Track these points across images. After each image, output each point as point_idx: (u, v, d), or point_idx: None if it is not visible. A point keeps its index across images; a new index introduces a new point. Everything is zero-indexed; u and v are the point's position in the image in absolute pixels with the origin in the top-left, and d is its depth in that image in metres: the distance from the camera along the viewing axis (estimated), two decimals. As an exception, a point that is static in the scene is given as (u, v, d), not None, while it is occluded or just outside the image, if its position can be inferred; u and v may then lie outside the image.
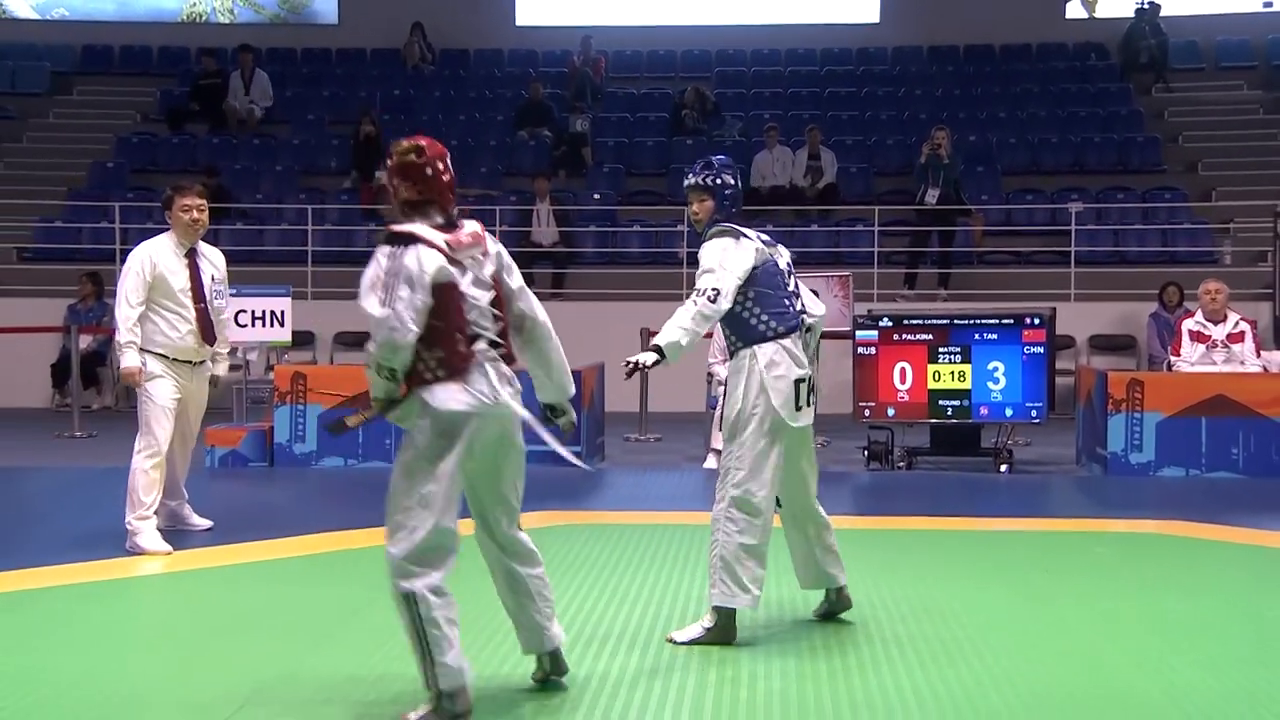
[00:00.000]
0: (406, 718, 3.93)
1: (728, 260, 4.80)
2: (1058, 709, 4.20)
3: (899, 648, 4.84)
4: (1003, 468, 9.48)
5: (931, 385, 9.52)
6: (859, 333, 9.84)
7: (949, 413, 9.56)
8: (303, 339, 13.29)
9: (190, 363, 6.70)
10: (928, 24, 19.21)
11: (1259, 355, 9.77)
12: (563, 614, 5.23)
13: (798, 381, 4.83)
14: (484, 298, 4.02)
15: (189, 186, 6.87)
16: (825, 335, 11.99)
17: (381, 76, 19.45)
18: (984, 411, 9.52)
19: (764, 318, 4.84)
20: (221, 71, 18.27)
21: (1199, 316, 9.78)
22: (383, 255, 3.90)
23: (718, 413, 9.72)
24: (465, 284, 3.95)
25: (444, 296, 3.87)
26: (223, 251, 7.14)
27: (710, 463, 9.77)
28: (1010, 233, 15.54)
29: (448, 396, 3.87)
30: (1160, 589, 5.93)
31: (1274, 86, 18.29)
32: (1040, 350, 9.44)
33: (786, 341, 4.86)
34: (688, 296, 4.84)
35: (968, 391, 9.49)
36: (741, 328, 4.88)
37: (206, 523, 7.01)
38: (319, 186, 16.82)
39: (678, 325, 4.75)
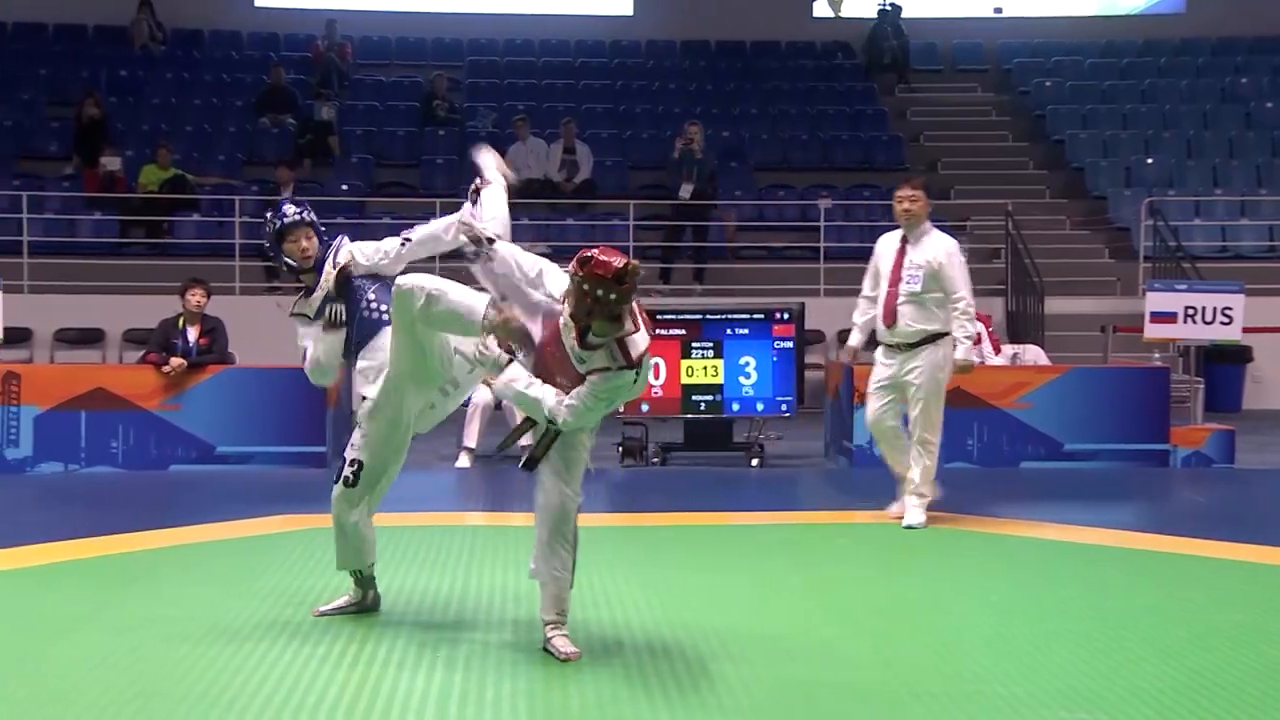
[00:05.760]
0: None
1: None
2: (798, 699, 4.35)
3: (641, 641, 4.92)
4: (754, 462, 9.76)
5: (685, 380, 9.72)
6: (613, 328, 9.93)
7: (702, 408, 9.78)
8: (18, 336, 12.53)
9: None
10: (680, 18, 19.61)
11: (998, 352, 10.35)
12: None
13: None
14: None
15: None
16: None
17: (106, 56, 18.49)
18: (736, 406, 9.78)
19: None
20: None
21: None
22: None
23: (470, 410, 9.69)
24: None
25: None
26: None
27: (463, 461, 9.70)
28: (762, 228, 16.04)
29: None
30: (898, 576, 6.24)
31: (1005, 89, 19.50)
32: (789, 345, 9.77)
33: None
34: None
35: (720, 386, 9.73)
36: None
37: None
38: (37, 172, 15.88)
39: None
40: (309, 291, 5.25)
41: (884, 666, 4.68)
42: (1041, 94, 18.81)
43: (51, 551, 6.54)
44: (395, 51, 19.62)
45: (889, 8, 19.44)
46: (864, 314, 7.60)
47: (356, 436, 5.15)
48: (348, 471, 5.10)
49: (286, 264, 5.24)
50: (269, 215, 5.32)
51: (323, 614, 5.22)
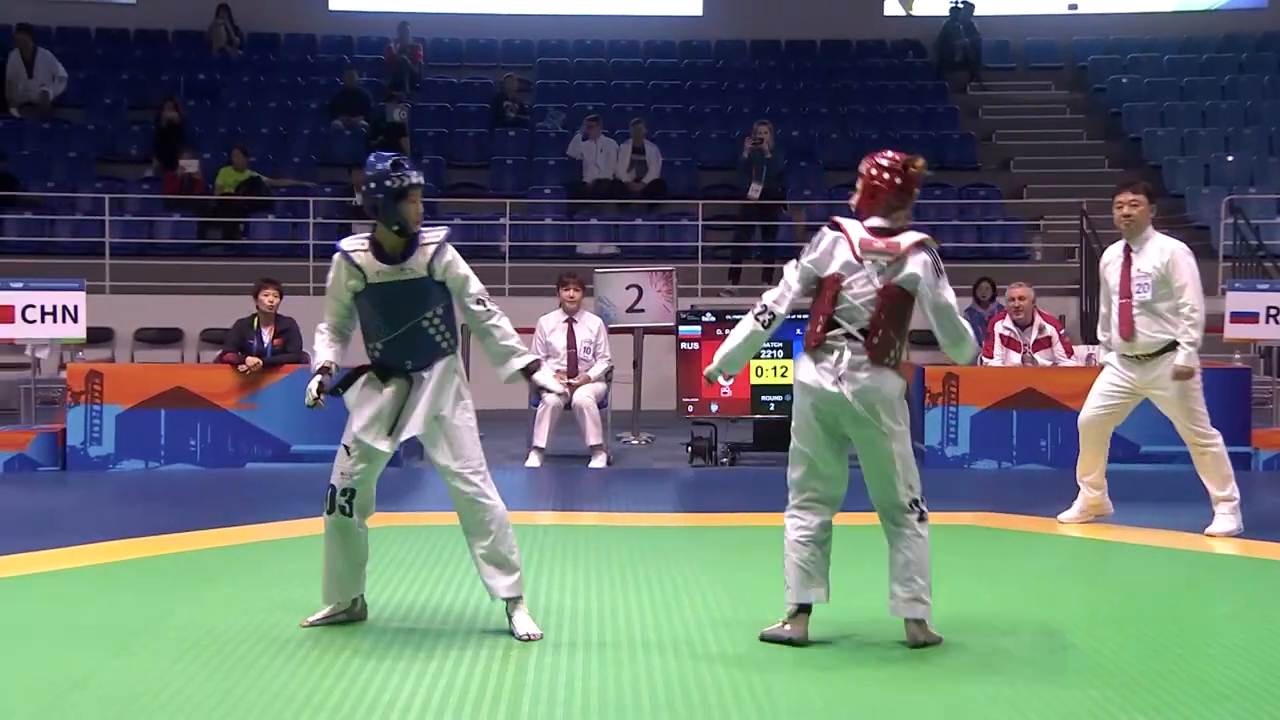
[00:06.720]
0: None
1: None
2: (862, 701, 4.32)
3: (692, 643, 4.91)
4: (823, 462, 9.69)
5: (754, 381, 9.70)
6: (682, 328, 9.97)
7: (771, 408, 9.74)
8: (100, 335, 12.78)
9: None
10: (750, 18, 19.57)
11: (1070, 354, 10.20)
12: (404, 616, 5.18)
13: None
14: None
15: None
16: (648, 330, 12.03)
17: (185, 60, 18.82)
18: (805, 406, 9.71)
19: None
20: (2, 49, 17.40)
21: (1008, 321, 10.19)
22: None
23: (540, 410, 9.73)
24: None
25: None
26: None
27: (533, 460, 9.75)
28: (832, 228, 15.93)
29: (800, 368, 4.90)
30: (971, 579, 6.17)
31: (1079, 87, 19.22)
32: (859, 345, 9.67)
33: None
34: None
35: (789, 387, 9.62)
36: None
37: None
38: (117, 175, 16.19)
39: None
40: (378, 249, 4.97)
41: (948, 667, 4.64)
42: (1118, 91, 18.53)
43: (133, 548, 6.67)
44: (466, 53, 19.77)
45: (961, 5, 19.25)
46: (1105, 330, 7.41)
47: (349, 464, 4.91)
48: (341, 501, 4.93)
49: (398, 223, 4.93)
50: (386, 167, 4.92)
51: (312, 624, 5.06)
